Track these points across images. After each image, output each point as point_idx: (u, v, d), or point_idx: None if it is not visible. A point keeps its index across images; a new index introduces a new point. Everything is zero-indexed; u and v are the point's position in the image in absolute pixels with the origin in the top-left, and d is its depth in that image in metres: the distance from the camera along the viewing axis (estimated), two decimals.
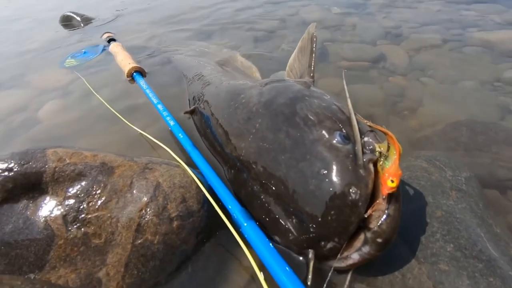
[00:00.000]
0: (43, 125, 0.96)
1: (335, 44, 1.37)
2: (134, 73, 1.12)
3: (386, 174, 0.41)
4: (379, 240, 0.40)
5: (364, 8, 1.80)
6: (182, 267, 0.48)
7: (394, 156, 0.43)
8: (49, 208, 0.47)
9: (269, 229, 0.50)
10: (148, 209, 0.47)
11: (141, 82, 1.03)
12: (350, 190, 0.41)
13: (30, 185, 0.47)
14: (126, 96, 1.09)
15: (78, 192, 0.48)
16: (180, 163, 0.58)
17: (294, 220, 0.46)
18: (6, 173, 0.46)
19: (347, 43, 1.35)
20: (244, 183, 0.56)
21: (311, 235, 0.44)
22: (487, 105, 0.87)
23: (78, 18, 2.05)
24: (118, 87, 1.16)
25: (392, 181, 0.39)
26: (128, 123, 0.83)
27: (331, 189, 0.42)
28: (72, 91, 1.15)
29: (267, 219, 0.50)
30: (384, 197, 0.40)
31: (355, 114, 0.50)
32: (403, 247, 0.46)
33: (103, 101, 0.96)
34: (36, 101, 1.10)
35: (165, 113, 0.82)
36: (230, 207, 0.51)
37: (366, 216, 0.41)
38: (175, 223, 0.48)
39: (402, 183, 0.58)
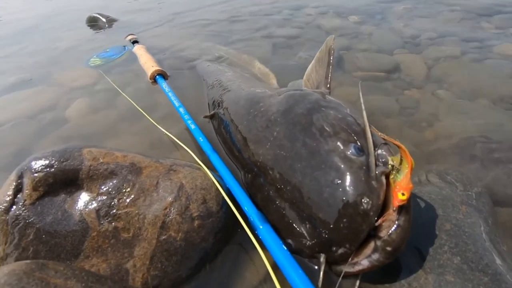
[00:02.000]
0: (72, 123, 1.02)
1: (351, 52, 1.38)
2: (157, 76, 1.17)
3: (398, 187, 0.43)
4: (388, 248, 0.42)
5: (382, 17, 1.80)
6: (201, 263, 0.52)
7: (406, 170, 0.45)
8: (84, 202, 0.51)
9: (283, 232, 0.53)
10: (172, 208, 0.51)
11: (164, 84, 1.08)
12: (363, 200, 0.44)
13: (68, 180, 0.52)
14: (149, 97, 1.15)
15: (110, 189, 0.52)
16: (201, 166, 0.62)
17: (307, 225, 0.49)
18: (47, 169, 0.51)
19: (363, 52, 1.37)
20: (260, 187, 0.59)
21: (323, 240, 0.47)
22: (505, 123, 0.87)
23: (104, 19, 2.14)
24: (141, 88, 1.21)
25: (403, 194, 0.42)
26: (155, 123, 0.87)
27: (344, 198, 0.45)
28: (98, 91, 1.21)
29: (282, 222, 0.53)
30: (394, 208, 0.43)
31: (370, 126, 0.53)
32: (411, 257, 0.49)
33: (131, 100, 1.02)
34: (64, 99, 1.17)
35: (186, 117, 0.87)
36: (246, 209, 0.54)
37: (376, 225, 0.43)
38: (196, 222, 0.51)
39: (413, 196, 0.60)
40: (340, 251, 0.45)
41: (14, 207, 0.49)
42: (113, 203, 0.51)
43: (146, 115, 0.94)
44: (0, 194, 0.51)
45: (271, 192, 0.56)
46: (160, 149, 0.88)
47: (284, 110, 0.62)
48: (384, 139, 0.51)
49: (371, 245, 0.44)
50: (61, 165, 0.52)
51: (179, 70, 1.37)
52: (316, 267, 0.50)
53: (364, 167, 0.47)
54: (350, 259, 0.45)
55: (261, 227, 0.52)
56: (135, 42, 1.62)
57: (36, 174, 0.51)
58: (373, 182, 0.45)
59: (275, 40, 1.60)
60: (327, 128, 0.53)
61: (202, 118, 0.90)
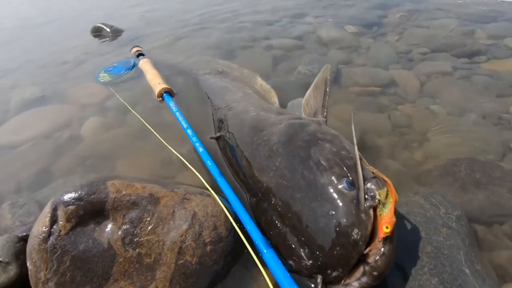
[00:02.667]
0: (86, 142, 1.09)
1: (349, 67, 1.45)
2: (164, 94, 1.24)
3: (383, 221, 0.50)
4: (375, 273, 0.50)
5: (378, 27, 1.86)
6: (213, 284, 0.59)
7: (390, 204, 0.52)
8: (111, 231, 0.59)
9: (284, 254, 0.60)
10: (187, 235, 0.59)
11: (171, 103, 1.15)
12: (353, 231, 0.51)
13: (96, 212, 0.59)
14: (157, 114, 1.21)
15: (133, 218, 0.60)
16: (211, 193, 0.69)
17: (306, 250, 0.57)
18: (78, 202, 0.59)
19: (360, 67, 1.43)
20: (264, 211, 0.66)
21: (319, 264, 0.54)
22: (490, 141, 0.94)
23: (108, 29, 2.20)
24: (149, 105, 1.28)
25: (387, 227, 0.49)
26: (167, 145, 0.92)
27: (337, 229, 0.53)
28: (109, 108, 1.28)
29: (284, 245, 0.60)
30: (380, 240, 0.50)
31: (361, 159, 0.60)
32: (396, 277, 0.56)
33: (143, 120, 1.07)
34: (77, 117, 1.23)
35: (194, 139, 0.93)
36: (253, 234, 0.62)
37: (365, 252, 0.51)
38: (208, 247, 0.59)
39: (401, 218, 0.67)
40: (334, 274, 0.53)
41: (52, 237, 0.56)
42: (136, 231, 0.59)
43: (158, 136, 0.99)
44: (38, 225, 0.58)
45: (274, 217, 0.64)
46: (172, 170, 0.95)
47: (284, 141, 0.69)
48: (373, 172, 0.58)
49: (361, 269, 0.51)
50: (89, 198, 0.59)
51: (183, 85, 1.43)
52: (313, 286, 0.57)
53: (355, 201, 0.54)
54: (343, 280, 0.52)
55: (265, 251, 0.59)
56: (140, 55, 1.68)
57: (68, 207, 0.58)
58: (362, 215, 0.52)
59: (275, 52, 1.66)
60: (323, 162, 0.60)
61: (208, 138, 0.97)
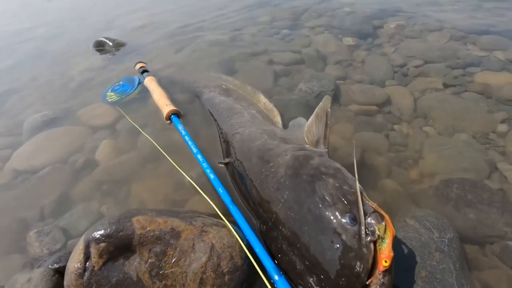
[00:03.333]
0: (102, 167, 1.15)
1: (346, 84, 1.51)
2: (172, 116, 1.30)
3: (382, 255, 0.57)
4: None
5: (374, 38, 1.92)
6: None
7: (388, 239, 0.59)
8: (138, 265, 0.65)
9: (294, 280, 0.67)
10: (207, 267, 0.65)
11: (180, 127, 1.21)
12: (356, 264, 0.58)
13: (124, 247, 0.66)
14: (166, 136, 1.27)
15: (158, 252, 0.66)
16: (226, 223, 0.76)
17: (314, 278, 0.64)
18: (108, 239, 0.65)
19: (357, 84, 1.49)
20: (274, 239, 0.73)
21: None
22: (478, 161, 1.01)
23: (110, 43, 2.24)
24: (157, 126, 1.34)
25: (386, 262, 0.56)
26: (181, 171, 0.98)
27: (342, 261, 0.59)
28: (119, 130, 1.33)
29: (294, 272, 0.67)
30: (380, 272, 0.57)
31: (361, 193, 0.67)
32: None
33: (155, 143, 1.13)
34: (90, 140, 1.29)
35: (204, 165, 1.00)
36: (265, 263, 0.68)
37: (367, 283, 0.58)
38: (226, 277, 0.66)
39: (398, 243, 0.74)
40: None
41: (86, 272, 0.63)
42: (161, 264, 0.65)
43: (170, 160, 1.04)
44: (73, 261, 0.65)
45: (284, 245, 0.70)
46: (182, 194, 1.01)
47: (291, 174, 0.76)
48: (373, 207, 0.65)
49: None
50: (118, 235, 0.66)
51: (189, 104, 1.49)
52: None
53: (357, 236, 0.61)
54: None
55: (277, 278, 0.66)
56: (144, 71, 1.73)
57: (100, 244, 0.65)
58: (364, 249, 0.59)
59: (275, 67, 1.71)
60: (327, 198, 0.67)
61: (217, 163, 1.04)
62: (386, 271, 0.57)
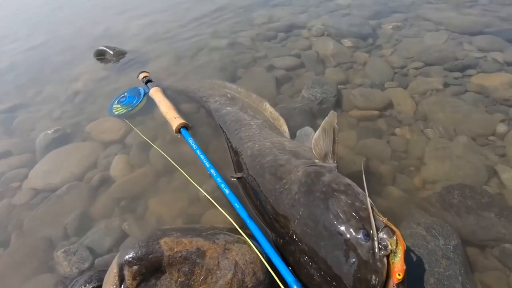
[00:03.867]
0: (118, 183, 1.19)
1: (348, 88, 1.55)
2: (181, 129, 1.34)
3: (395, 269, 0.63)
4: None
5: (373, 39, 1.95)
6: None
7: (400, 253, 0.65)
8: (169, 284, 0.70)
9: None
10: (233, 283, 0.71)
11: (190, 140, 1.25)
12: (372, 278, 0.64)
13: (155, 269, 0.71)
14: (176, 148, 1.31)
15: (186, 272, 0.71)
16: (246, 240, 0.81)
17: None
18: (140, 262, 0.70)
19: (358, 88, 1.53)
20: (292, 253, 0.79)
21: None
22: (478, 166, 1.07)
23: (111, 52, 2.25)
24: (167, 138, 1.38)
25: (399, 275, 0.62)
26: (198, 186, 1.02)
27: (358, 275, 0.65)
28: (130, 145, 1.37)
29: (312, 285, 0.73)
30: (394, 285, 0.62)
31: (372, 209, 0.72)
32: None
33: (167, 157, 1.17)
34: (102, 156, 1.33)
35: (219, 180, 1.04)
36: (286, 277, 0.74)
37: None
38: None
39: (407, 250, 0.79)
40: None
41: None
42: (190, 283, 0.71)
43: (186, 175, 1.08)
44: (108, 284, 0.70)
45: (302, 259, 0.76)
46: (197, 207, 1.06)
47: (304, 191, 0.81)
48: (384, 222, 0.70)
49: None
50: (148, 257, 0.71)
51: (195, 114, 1.53)
52: None
53: (371, 251, 0.66)
54: None
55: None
56: (148, 81, 1.76)
57: (133, 267, 0.70)
58: (378, 263, 0.65)
59: (277, 73, 1.74)
60: (341, 215, 0.72)
61: (230, 177, 1.08)
62: (400, 283, 0.63)
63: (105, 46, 2.28)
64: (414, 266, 0.76)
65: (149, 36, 2.50)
